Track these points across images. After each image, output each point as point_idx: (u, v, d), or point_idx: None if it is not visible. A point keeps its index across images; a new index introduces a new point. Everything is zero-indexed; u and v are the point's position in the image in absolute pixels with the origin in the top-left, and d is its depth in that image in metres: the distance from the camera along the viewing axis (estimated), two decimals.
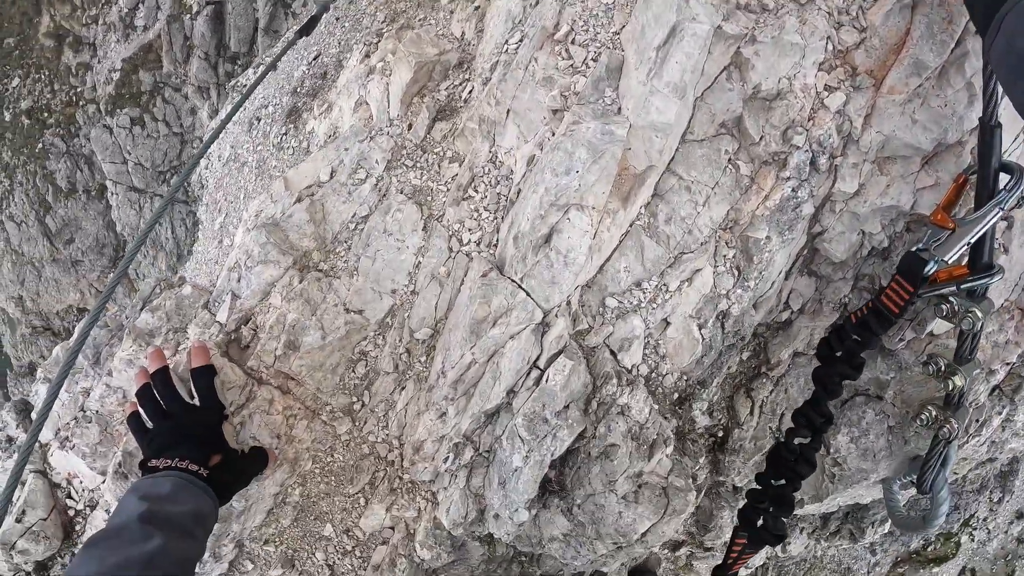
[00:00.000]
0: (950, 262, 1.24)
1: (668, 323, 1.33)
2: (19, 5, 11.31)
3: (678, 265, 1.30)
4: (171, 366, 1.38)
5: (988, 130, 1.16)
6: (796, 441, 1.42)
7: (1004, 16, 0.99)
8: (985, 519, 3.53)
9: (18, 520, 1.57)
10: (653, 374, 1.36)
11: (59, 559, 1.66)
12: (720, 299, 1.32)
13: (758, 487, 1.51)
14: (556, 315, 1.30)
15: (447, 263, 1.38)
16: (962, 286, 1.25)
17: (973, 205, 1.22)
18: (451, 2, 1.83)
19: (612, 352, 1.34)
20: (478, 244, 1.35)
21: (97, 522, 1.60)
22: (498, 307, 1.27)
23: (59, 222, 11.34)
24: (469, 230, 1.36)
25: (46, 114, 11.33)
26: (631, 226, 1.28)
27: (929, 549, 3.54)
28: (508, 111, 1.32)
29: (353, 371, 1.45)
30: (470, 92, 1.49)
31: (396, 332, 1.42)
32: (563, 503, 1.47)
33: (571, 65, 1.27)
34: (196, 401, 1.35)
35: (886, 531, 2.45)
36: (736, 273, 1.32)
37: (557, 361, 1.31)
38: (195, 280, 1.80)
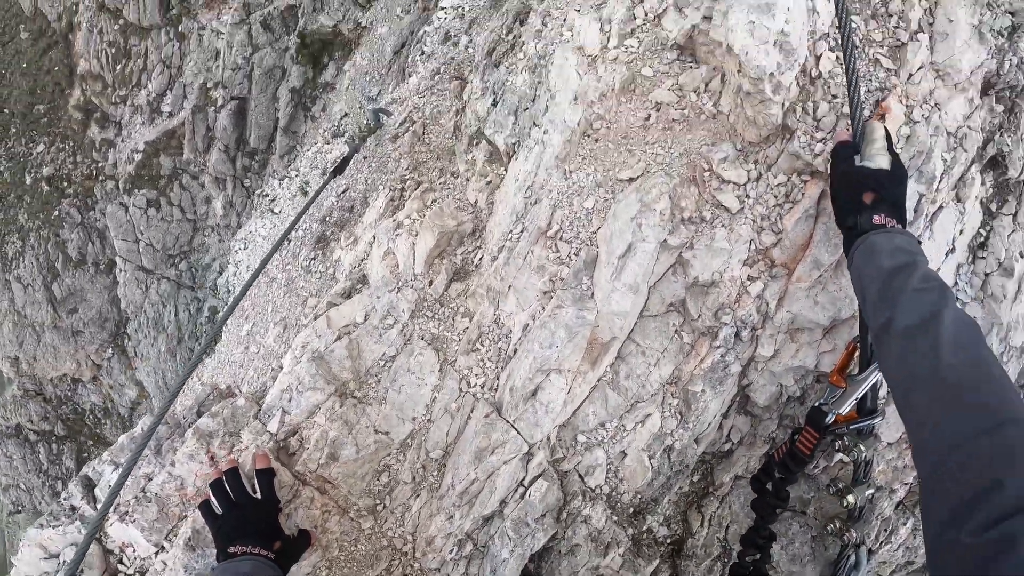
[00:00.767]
0: (844, 413, 1.63)
1: (625, 454, 1.71)
2: (53, 75, 11.55)
3: (633, 411, 1.68)
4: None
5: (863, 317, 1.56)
6: (748, 559, 1.75)
7: (856, 249, 1.39)
8: None
9: None
10: (614, 493, 1.74)
11: None
12: (666, 436, 1.70)
13: None
14: (538, 447, 1.69)
15: (457, 400, 1.76)
16: (851, 427, 1.62)
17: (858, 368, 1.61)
18: (467, 170, 2.26)
19: (580, 476, 1.72)
20: (482, 387, 1.74)
21: None
22: (496, 440, 1.67)
23: (65, 291, 11.27)
24: (476, 375, 1.76)
25: (66, 183, 11.45)
26: (598, 381, 1.67)
27: None
28: (509, 286, 1.73)
29: (378, 479, 1.82)
30: (480, 259, 1.91)
31: (415, 451, 1.80)
32: None
33: (558, 257, 1.69)
34: (258, 495, 1.69)
35: None
36: (679, 417, 1.70)
37: (538, 482, 1.69)
38: (216, 379, 2.16)
